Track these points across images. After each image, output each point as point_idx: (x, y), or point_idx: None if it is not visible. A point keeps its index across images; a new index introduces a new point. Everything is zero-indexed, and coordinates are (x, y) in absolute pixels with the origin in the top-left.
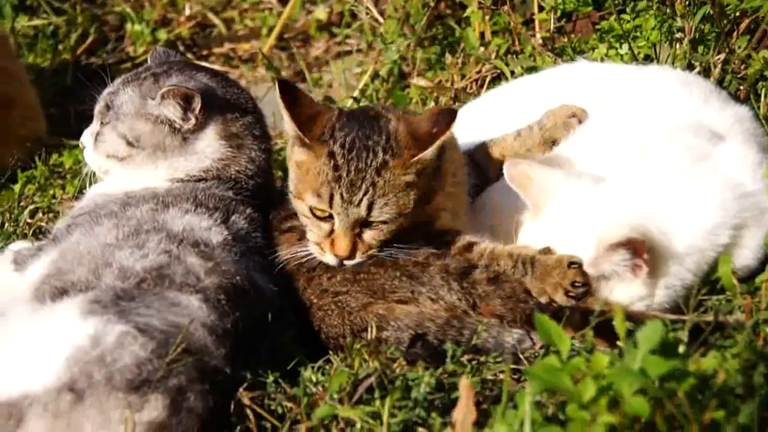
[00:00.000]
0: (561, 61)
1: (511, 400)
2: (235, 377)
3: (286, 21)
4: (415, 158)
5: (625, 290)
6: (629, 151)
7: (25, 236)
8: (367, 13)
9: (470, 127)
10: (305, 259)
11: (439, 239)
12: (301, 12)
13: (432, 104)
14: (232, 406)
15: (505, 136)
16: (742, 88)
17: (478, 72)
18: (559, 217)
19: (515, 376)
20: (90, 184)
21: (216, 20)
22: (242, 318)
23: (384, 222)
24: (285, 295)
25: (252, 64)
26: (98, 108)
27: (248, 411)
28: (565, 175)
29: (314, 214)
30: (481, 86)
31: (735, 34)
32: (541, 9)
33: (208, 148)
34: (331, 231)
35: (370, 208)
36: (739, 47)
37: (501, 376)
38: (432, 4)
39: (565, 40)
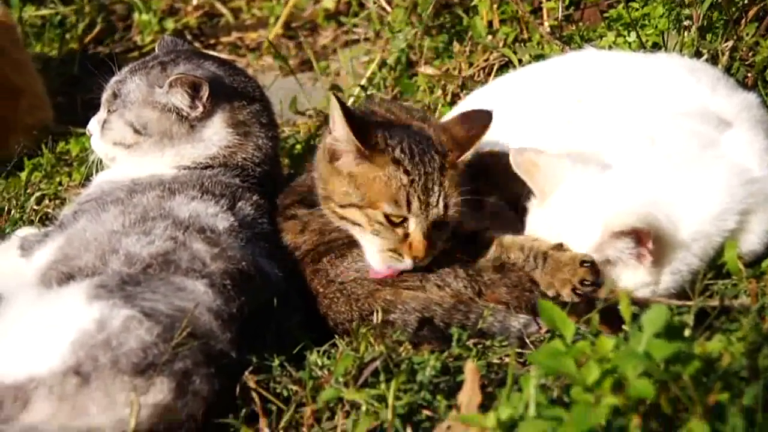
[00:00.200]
0: (569, 49)
1: (516, 383)
2: (241, 361)
3: (294, 10)
4: (459, 160)
5: (630, 276)
6: (636, 138)
7: (31, 223)
8: (375, 2)
9: None
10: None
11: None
12: (309, 1)
13: (439, 92)
14: (238, 389)
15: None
16: (749, 75)
17: (486, 60)
18: (566, 203)
19: (520, 360)
20: (96, 171)
21: (223, 9)
22: (248, 303)
23: (447, 223)
24: (291, 280)
25: (259, 53)
26: (105, 96)
27: (254, 394)
28: (572, 162)
29: (389, 221)
30: (489, 74)
31: (743, 21)
32: None
33: (215, 135)
34: (405, 235)
35: (446, 207)
36: (747, 34)
37: (506, 359)
38: None
39: (573, 28)
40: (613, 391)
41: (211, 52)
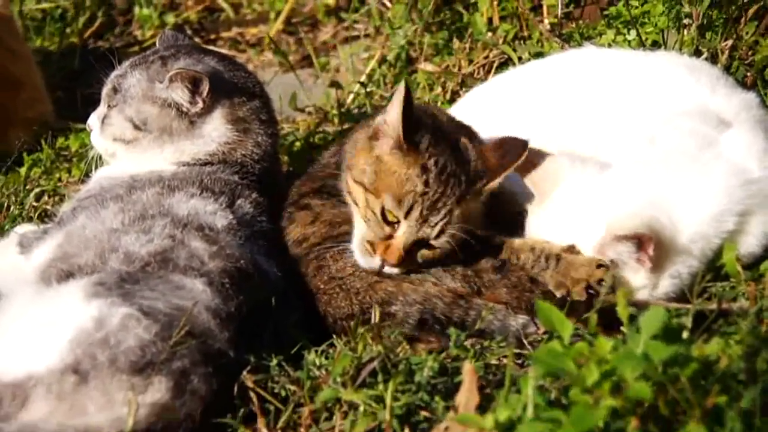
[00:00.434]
0: (568, 46)
1: (514, 384)
2: (239, 360)
3: (294, 5)
4: (486, 188)
5: (630, 278)
6: (635, 138)
7: (30, 219)
8: None
9: (476, 111)
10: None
11: None
12: None
13: (439, 90)
14: (236, 389)
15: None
16: (749, 74)
17: (486, 57)
18: (565, 203)
19: (518, 361)
20: (96, 167)
21: (224, 4)
22: (246, 301)
23: (440, 248)
24: (290, 279)
25: (259, 49)
26: (105, 91)
27: (251, 394)
28: (571, 162)
29: (383, 216)
30: (489, 71)
31: (743, 20)
32: None
33: (215, 131)
34: (390, 236)
35: (440, 233)
36: (747, 33)
37: (504, 360)
38: None
39: (573, 25)
40: (611, 393)
41: (212, 48)
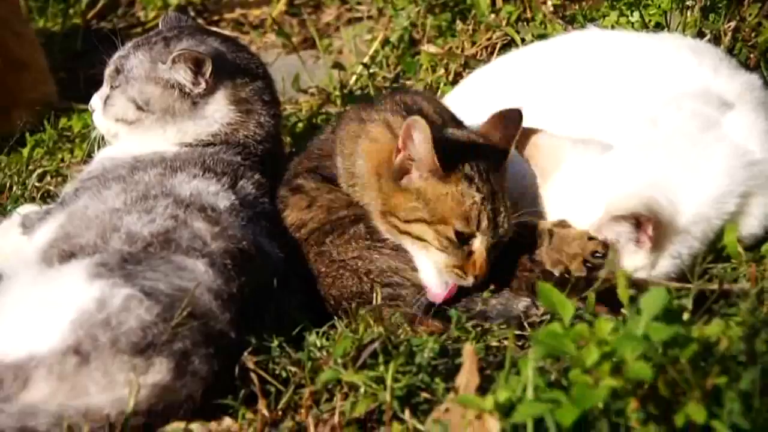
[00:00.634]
0: (572, 28)
1: (514, 366)
2: (240, 341)
3: None
4: (503, 165)
5: (630, 258)
6: (638, 119)
7: (33, 200)
8: None
9: (479, 93)
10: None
11: None
12: None
13: (442, 71)
14: (237, 370)
15: None
16: (752, 56)
17: (489, 39)
18: (567, 184)
19: (519, 343)
20: (98, 148)
21: None
22: (248, 283)
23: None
24: (292, 261)
25: (262, 30)
26: (108, 71)
27: (252, 375)
28: (573, 143)
29: (458, 238)
30: (492, 53)
31: (746, 1)
32: None
33: (217, 112)
34: (469, 253)
35: (509, 227)
36: (750, 15)
37: (505, 342)
38: None
39: (576, 7)
40: (611, 374)
41: (215, 29)
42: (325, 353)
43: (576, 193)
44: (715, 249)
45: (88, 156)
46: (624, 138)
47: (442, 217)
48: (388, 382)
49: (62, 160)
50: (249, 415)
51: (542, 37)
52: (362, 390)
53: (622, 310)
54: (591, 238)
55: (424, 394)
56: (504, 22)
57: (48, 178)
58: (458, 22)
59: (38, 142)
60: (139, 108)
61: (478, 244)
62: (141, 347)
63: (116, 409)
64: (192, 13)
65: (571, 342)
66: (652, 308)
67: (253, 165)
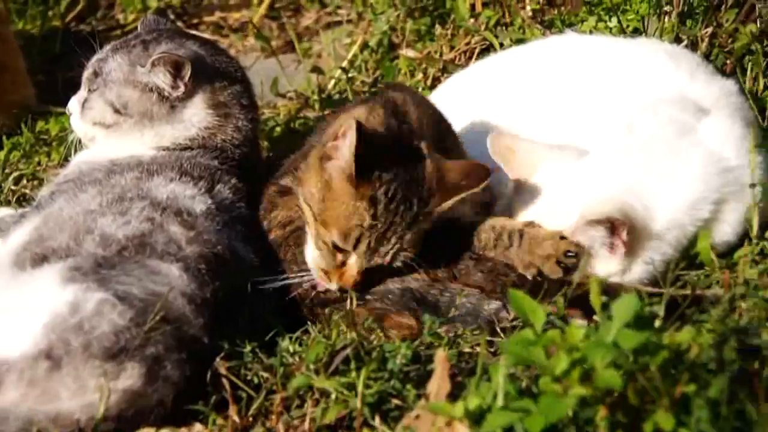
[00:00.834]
0: (550, 33)
1: (486, 372)
2: (213, 347)
3: None
4: (437, 209)
5: (603, 264)
6: (614, 125)
7: (8, 203)
8: None
9: (456, 98)
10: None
11: None
12: None
13: (420, 76)
14: (209, 376)
15: None
16: (728, 62)
17: (467, 44)
18: (542, 189)
19: (491, 349)
20: (75, 151)
21: None
22: (222, 287)
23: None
24: (267, 265)
25: (242, 34)
26: (86, 75)
27: (224, 381)
28: (549, 148)
29: (335, 246)
30: (470, 58)
31: (723, 7)
32: None
33: (195, 116)
34: (343, 263)
35: (394, 257)
36: (727, 21)
37: (478, 349)
38: None
39: (555, 12)
40: (581, 382)
41: (194, 32)
42: (297, 359)
43: (552, 198)
44: (688, 256)
45: (65, 159)
46: (600, 143)
47: (326, 220)
48: (360, 388)
49: (39, 164)
50: (220, 421)
51: (521, 41)
52: (333, 396)
53: (595, 317)
54: (563, 238)
55: (395, 401)
56: (483, 27)
57: (24, 181)
58: (437, 26)
59: (15, 145)
60: (117, 111)
61: (352, 261)
62: (113, 352)
63: (86, 415)
64: (171, 16)
65: (542, 349)
66: (624, 315)
67: (230, 169)
